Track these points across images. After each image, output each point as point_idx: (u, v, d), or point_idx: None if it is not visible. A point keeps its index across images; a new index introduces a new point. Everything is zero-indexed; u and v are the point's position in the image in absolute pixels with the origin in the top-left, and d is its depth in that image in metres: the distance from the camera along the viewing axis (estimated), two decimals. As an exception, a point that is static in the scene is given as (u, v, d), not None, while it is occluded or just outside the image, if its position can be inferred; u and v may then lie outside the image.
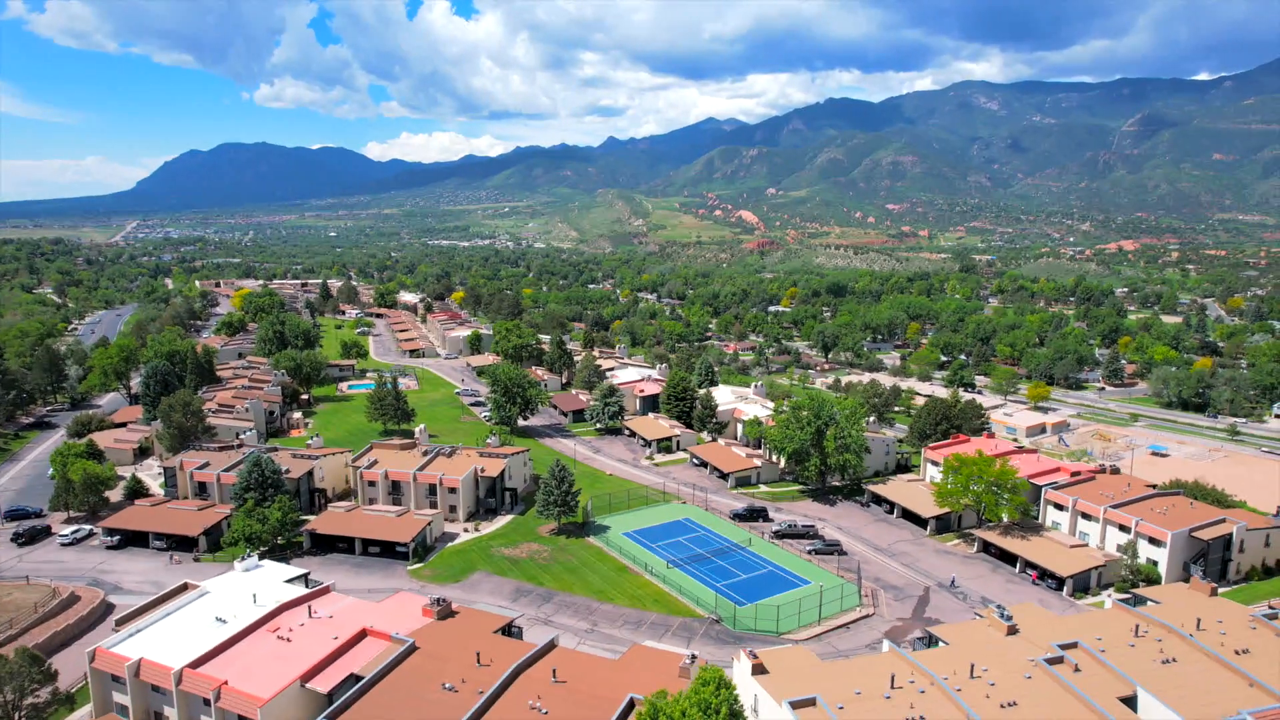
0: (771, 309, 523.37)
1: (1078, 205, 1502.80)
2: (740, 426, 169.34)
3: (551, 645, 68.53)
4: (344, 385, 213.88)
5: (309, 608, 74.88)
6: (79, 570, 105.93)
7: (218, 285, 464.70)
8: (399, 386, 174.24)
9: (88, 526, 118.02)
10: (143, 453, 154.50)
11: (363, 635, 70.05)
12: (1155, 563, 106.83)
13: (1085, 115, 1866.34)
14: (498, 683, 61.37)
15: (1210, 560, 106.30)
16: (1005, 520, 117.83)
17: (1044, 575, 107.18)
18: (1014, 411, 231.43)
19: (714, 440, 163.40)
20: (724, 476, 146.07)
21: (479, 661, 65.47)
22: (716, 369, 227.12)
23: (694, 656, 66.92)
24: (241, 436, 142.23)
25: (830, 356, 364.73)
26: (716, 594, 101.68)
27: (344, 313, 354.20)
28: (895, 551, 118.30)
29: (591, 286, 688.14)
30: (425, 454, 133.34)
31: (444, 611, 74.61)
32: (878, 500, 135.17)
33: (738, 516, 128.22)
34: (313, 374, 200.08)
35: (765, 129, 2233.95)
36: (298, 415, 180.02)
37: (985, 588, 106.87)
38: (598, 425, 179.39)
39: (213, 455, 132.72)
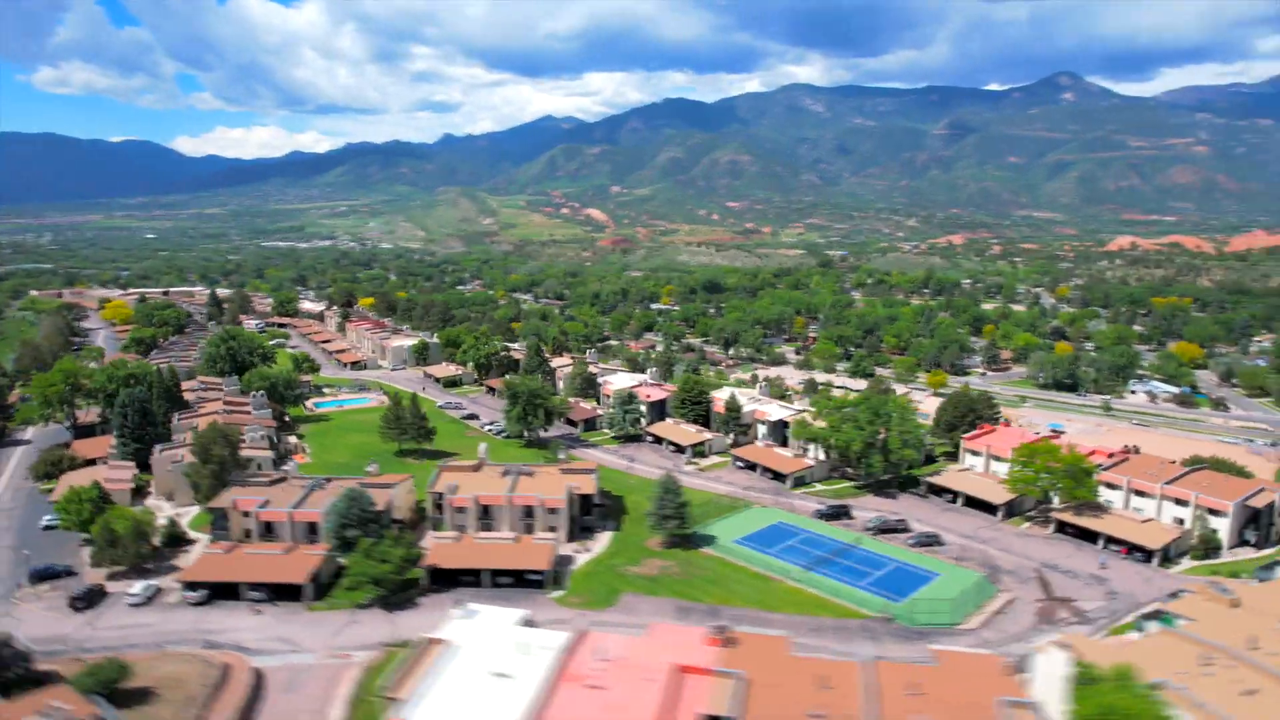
0: (653, 306, 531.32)
1: (901, 202, 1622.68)
2: (762, 428, 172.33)
3: (875, 661, 68.47)
4: (310, 403, 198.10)
5: (590, 651, 70.33)
6: (182, 633, 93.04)
7: (60, 295, 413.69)
8: (416, 402, 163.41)
9: (152, 582, 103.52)
10: (137, 493, 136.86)
11: (680, 672, 66.76)
12: (1215, 530, 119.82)
13: (901, 119, 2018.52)
14: (861, 701, 60.88)
15: (1261, 525, 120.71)
16: (1073, 502, 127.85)
17: (1132, 549, 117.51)
18: (922, 400, 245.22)
19: (749, 442, 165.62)
20: (776, 477, 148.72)
21: (822, 685, 64.46)
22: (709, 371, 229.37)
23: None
24: (286, 467, 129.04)
25: (732, 353, 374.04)
26: (867, 593, 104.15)
27: (240, 324, 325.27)
28: (982, 538, 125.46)
29: (460, 288, 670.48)
30: (505, 474, 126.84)
31: (729, 639, 72.46)
32: (936, 491, 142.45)
33: (822, 516, 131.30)
34: (286, 394, 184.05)
35: (605, 127, 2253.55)
36: (294, 440, 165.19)
37: (1084, 565, 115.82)
38: (615, 434, 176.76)
39: (266, 491, 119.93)
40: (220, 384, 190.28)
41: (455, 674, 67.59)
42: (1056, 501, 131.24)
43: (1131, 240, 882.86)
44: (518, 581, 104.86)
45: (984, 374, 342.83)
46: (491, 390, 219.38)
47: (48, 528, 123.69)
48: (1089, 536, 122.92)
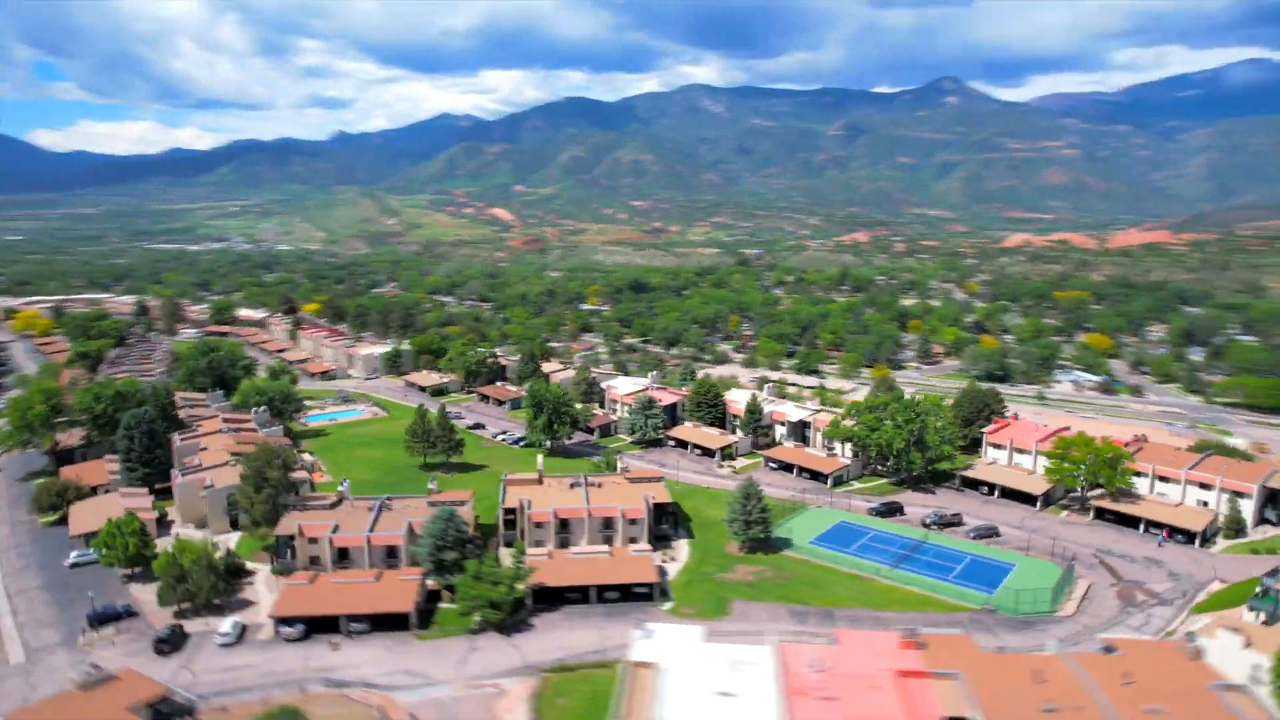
0: (583, 307, 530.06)
1: (801, 201, 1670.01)
2: (781, 428, 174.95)
3: (1109, 649, 71.19)
4: (301, 417, 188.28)
5: (802, 663, 70.08)
6: (295, 673, 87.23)
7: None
8: (443, 414, 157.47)
9: (237, 619, 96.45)
10: (159, 522, 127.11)
11: (901, 678, 67.45)
12: (1240, 511, 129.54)
13: (798, 120, 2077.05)
14: (1086, 692, 63.32)
15: (1279, 504, 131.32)
16: (1107, 490, 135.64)
17: (1174, 532, 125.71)
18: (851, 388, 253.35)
19: (768, 444, 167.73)
20: (814, 477, 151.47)
21: (1036, 679, 66.53)
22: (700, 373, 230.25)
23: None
24: (341, 489, 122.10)
25: (675, 352, 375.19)
26: (959, 586, 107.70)
27: (176, 333, 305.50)
28: (1029, 527, 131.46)
29: (376, 291, 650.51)
30: (574, 486, 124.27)
31: (920, 641, 73.71)
32: (969, 484, 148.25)
33: (877, 513, 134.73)
34: (284, 408, 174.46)
35: (505, 126, 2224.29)
36: (309, 458, 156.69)
37: (1134, 549, 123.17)
38: (634, 439, 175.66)
39: (329, 515, 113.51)
40: (204, 400, 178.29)
41: (680, 697, 66.04)
42: (1080, 490, 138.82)
43: (1024, 238, 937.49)
44: (624, 595, 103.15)
45: (919, 368, 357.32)
46: (485, 398, 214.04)
47: (76, 565, 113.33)
48: (1128, 522, 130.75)
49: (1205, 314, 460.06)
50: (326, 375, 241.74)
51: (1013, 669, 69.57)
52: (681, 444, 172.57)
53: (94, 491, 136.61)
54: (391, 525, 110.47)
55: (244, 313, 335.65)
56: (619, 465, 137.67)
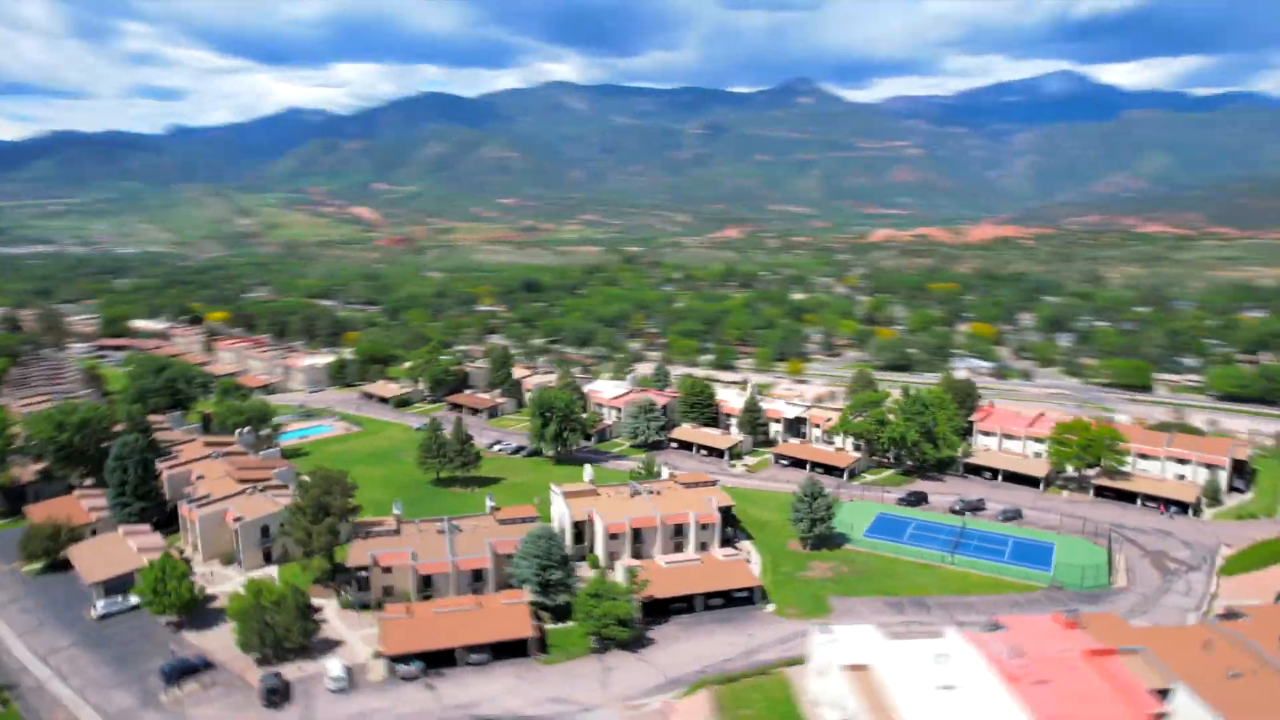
0: (479, 309, 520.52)
1: (666, 198, 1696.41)
2: (776, 426, 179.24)
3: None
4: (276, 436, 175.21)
5: (1000, 651, 73.00)
6: (436, 713, 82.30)
7: None
8: (459, 427, 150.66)
9: (340, 662, 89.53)
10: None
11: (1092, 656, 71.60)
12: (1217, 481, 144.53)
13: (660, 119, 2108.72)
14: (1256, 656, 69.93)
15: (1244, 473, 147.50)
16: (1096, 469, 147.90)
17: (1168, 504, 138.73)
18: (794, 386, 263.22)
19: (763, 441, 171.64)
20: (828, 471, 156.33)
21: (1205, 647, 72.67)
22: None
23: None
24: (395, 513, 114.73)
25: (588, 352, 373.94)
26: (1018, 567, 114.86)
27: (65, 348, 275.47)
28: (1040, 507, 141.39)
29: (247, 297, 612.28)
30: (634, 495, 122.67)
31: (1080, 621, 78.56)
32: (971, 470, 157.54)
33: (905, 503, 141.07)
34: (239, 426, 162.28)
35: (361, 121, 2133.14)
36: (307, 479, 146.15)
37: (1139, 521, 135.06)
38: (635, 443, 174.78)
39: (397, 541, 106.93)
40: (164, 422, 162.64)
41: (907, 695, 67.45)
42: (1078, 470, 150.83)
43: (889, 233, 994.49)
44: (727, 601, 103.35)
45: (823, 360, 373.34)
46: (457, 407, 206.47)
47: (107, 616, 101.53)
48: (1125, 498, 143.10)
49: (1065, 302, 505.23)
50: (266, 390, 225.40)
51: (1178, 640, 75.43)
52: (684, 445, 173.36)
53: (87, 533, 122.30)
54: (470, 548, 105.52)
55: (139, 324, 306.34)
56: (664, 471, 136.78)
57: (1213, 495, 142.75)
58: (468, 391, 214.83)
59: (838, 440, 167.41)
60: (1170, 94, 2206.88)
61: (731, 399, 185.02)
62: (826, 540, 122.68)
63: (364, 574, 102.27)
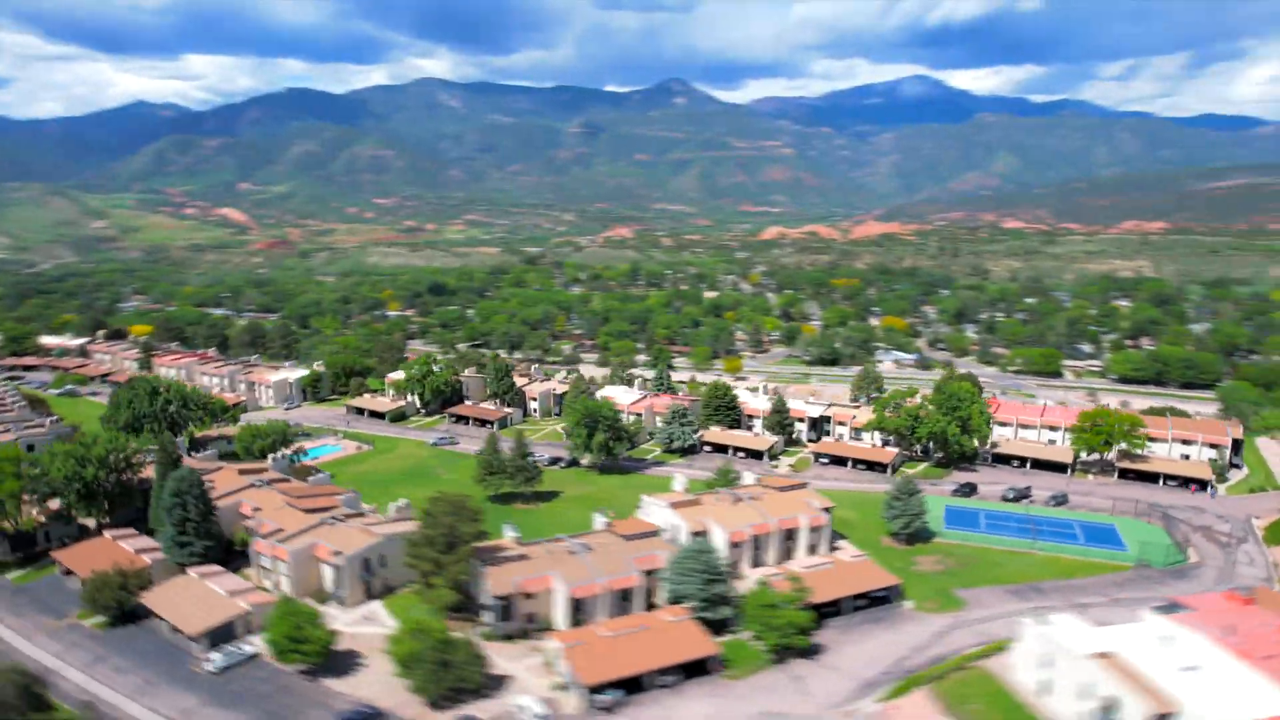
0: (382, 314, 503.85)
1: (550, 198, 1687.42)
2: (800, 425, 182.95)
3: None
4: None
5: (1214, 627, 78.02)
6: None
7: None
8: (520, 441, 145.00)
9: (535, 698, 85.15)
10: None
11: (1301, 632, 77.89)
12: (1222, 460, 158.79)
13: (538, 117, 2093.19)
14: None
15: (1239, 452, 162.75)
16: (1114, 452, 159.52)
17: (1191, 483, 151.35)
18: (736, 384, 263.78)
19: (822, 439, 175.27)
20: (871, 467, 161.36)
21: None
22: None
23: None
24: (512, 535, 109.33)
25: (519, 355, 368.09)
26: (1099, 549, 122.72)
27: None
28: (1075, 491, 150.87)
29: (121, 306, 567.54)
30: (737, 501, 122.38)
31: (1251, 596, 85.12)
32: (1000, 459, 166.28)
33: (957, 494, 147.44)
34: (267, 450, 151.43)
35: (220, 117, 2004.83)
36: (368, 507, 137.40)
37: (1169, 500, 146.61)
38: (667, 448, 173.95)
39: (530, 565, 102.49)
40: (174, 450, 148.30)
41: (1162, 677, 71.09)
42: (1100, 455, 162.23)
43: (780, 230, 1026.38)
44: (869, 602, 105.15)
45: (753, 356, 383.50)
46: (461, 419, 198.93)
47: (227, 668, 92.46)
48: (1148, 478, 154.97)
49: (961, 295, 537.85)
50: (237, 409, 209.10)
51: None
52: (719, 449, 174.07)
53: (148, 578, 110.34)
54: (613, 567, 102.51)
55: (48, 340, 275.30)
56: (748, 476, 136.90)
57: (1220, 473, 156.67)
58: (468, 402, 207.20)
59: (865, 437, 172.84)
60: (1014, 99, 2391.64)
61: (751, 401, 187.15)
62: (918, 536, 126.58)
63: (502, 603, 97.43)
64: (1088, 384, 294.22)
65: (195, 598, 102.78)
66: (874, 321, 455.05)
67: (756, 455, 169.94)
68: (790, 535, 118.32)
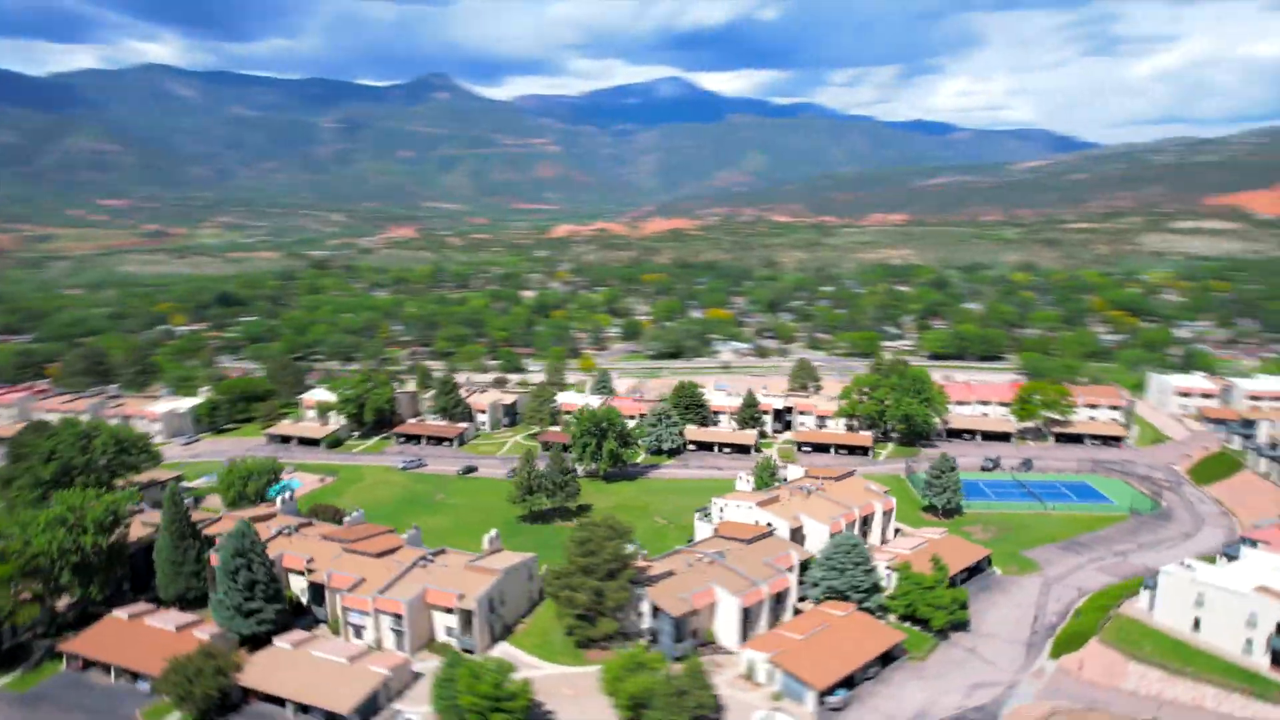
0: (168, 329, 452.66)
1: (311, 196, 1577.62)
2: (766, 417, 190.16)
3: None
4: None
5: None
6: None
7: None
8: (560, 455, 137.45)
9: (768, 714, 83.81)
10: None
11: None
12: (1124, 420, 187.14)
13: (288, 111, 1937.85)
14: None
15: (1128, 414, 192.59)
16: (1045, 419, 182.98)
17: (1107, 440, 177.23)
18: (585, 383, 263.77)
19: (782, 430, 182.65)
20: (853, 452, 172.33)
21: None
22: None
23: None
24: (638, 551, 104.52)
25: (356, 367, 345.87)
26: (1095, 503, 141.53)
27: None
28: (1025, 456, 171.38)
29: None
30: (809, 494, 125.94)
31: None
32: (954, 434, 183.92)
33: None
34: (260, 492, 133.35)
35: None
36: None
37: (1103, 455, 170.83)
38: (653, 450, 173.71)
39: (683, 582, 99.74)
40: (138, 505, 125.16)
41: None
42: (1038, 423, 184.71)
43: (570, 228, 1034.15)
44: (968, 573, 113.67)
45: (595, 354, 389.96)
46: (412, 439, 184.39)
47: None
48: (1075, 439, 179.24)
49: (763, 286, 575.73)
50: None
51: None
52: (704, 447, 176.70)
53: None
54: (761, 572, 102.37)
55: None
56: (784, 470, 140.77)
57: (1124, 429, 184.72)
58: (412, 420, 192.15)
59: (831, 424, 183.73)
60: (759, 101, 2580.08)
61: (715, 399, 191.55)
62: (954, 509, 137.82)
63: (674, 622, 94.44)
64: (906, 361, 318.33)
65: (315, 671, 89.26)
66: (695, 314, 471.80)
67: (743, 450, 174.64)
68: (867, 521, 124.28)
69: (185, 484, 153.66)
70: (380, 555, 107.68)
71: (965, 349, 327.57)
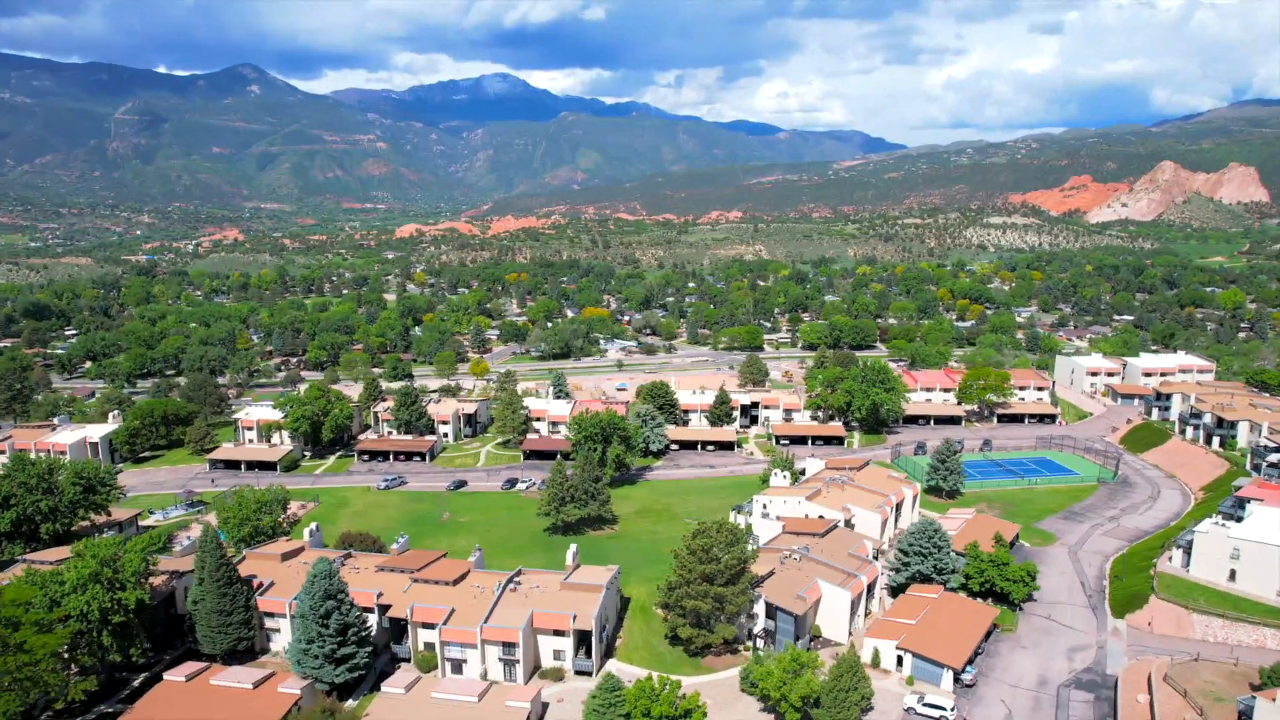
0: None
1: (107, 194, 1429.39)
2: (734, 412, 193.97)
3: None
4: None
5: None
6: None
7: None
8: (589, 463, 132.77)
9: (914, 696, 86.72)
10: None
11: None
12: (1056, 399, 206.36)
13: (70, 100, 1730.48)
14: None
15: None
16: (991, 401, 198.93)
17: (1042, 418, 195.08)
18: (474, 386, 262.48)
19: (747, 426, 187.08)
20: (828, 442, 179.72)
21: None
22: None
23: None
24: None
25: (225, 380, 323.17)
26: (1066, 476, 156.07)
27: None
28: (973, 437, 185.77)
29: None
30: (843, 486, 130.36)
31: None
32: (909, 420, 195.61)
33: (917, 452, 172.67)
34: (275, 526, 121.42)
35: None
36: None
37: (1044, 432, 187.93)
38: (649, 450, 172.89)
39: (793, 579, 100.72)
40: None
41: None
42: (979, 406, 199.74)
43: (414, 228, 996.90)
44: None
45: (479, 356, 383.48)
46: (378, 455, 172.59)
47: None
48: (1015, 419, 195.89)
49: (640, 282, 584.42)
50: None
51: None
52: (686, 446, 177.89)
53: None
54: (851, 565, 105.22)
55: None
56: (799, 465, 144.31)
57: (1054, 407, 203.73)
58: (372, 436, 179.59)
59: (797, 416, 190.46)
60: (590, 100, 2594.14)
61: (686, 398, 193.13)
62: (956, 490, 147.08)
63: (775, 623, 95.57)
64: (788, 354, 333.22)
65: (448, 715, 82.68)
66: (570, 313, 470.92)
67: (727, 446, 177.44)
68: (898, 507, 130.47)
69: (144, 522, 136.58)
70: (455, 582, 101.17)
71: (840, 339, 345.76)
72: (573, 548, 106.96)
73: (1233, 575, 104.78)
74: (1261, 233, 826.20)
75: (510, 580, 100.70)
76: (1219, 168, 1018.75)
